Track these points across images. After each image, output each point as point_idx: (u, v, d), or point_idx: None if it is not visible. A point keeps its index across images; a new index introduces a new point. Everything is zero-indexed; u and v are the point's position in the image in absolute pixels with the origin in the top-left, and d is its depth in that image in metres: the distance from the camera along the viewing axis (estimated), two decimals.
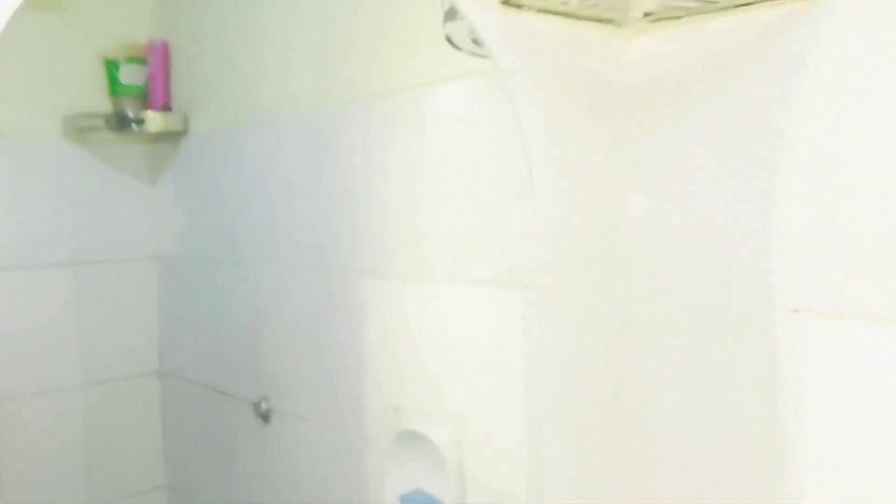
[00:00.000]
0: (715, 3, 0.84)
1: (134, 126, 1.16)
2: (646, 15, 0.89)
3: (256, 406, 1.20)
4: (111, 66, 1.18)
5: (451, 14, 0.85)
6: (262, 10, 1.16)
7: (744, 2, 0.83)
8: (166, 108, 1.23)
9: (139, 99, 1.18)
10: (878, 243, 0.74)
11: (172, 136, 1.26)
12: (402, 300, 1.04)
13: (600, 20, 0.88)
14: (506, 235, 0.95)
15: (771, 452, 0.82)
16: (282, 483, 1.17)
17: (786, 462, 0.80)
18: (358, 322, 1.09)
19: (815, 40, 0.78)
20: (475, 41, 0.86)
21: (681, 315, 0.89)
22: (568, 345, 0.90)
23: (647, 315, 0.92)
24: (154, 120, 1.17)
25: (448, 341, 0.99)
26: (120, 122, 1.16)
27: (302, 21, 1.11)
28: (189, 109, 1.24)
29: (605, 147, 0.91)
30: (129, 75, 1.18)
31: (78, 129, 1.15)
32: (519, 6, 0.83)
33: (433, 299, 1.00)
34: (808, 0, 0.78)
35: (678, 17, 0.89)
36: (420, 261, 1.02)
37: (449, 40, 0.88)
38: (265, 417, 1.19)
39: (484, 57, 0.86)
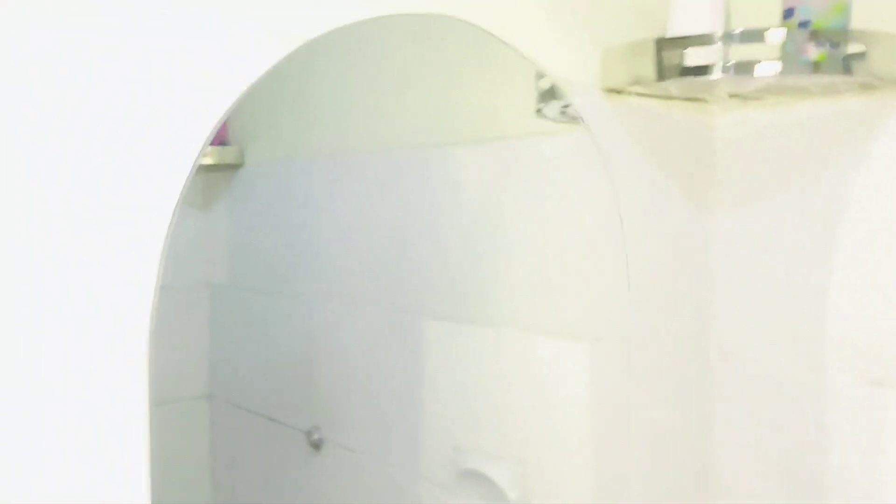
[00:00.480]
0: (802, 88, 0.88)
1: None
2: (731, 96, 0.93)
3: (308, 434, 1.22)
4: None
5: (547, 94, 0.89)
6: (329, 45, 1.16)
7: (831, 88, 0.87)
8: (222, 142, 1.23)
9: None
10: None
11: (228, 167, 1.26)
12: (466, 343, 1.06)
13: (689, 99, 0.93)
14: (578, 289, 0.98)
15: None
16: None
17: None
18: (417, 361, 1.11)
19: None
20: (561, 113, 0.90)
21: (754, 382, 0.95)
22: (640, 396, 0.95)
23: (721, 380, 0.97)
24: (210, 154, 1.17)
25: (513, 386, 1.03)
26: None
27: (368, 61, 1.12)
28: (245, 142, 1.24)
29: (691, 216, 0.96)
30: None
31: None
32: (619, 91, 0.87)
33: (498, 344, 1.03)
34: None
35: (761, 98, 0.93)
36: (484, 305, 1.05)
37: (539, 111, 0.91)
38: (317, 447, 1.21)
39: (570, 123, 0.89)
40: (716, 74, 0.86)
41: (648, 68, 0.89)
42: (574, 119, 0.92)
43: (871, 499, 0.86)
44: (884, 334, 0.84)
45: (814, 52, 0.83)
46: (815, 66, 0.83)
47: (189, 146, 0.62)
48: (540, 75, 0.91)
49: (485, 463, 1.02)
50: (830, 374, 0.88)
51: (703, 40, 0.86)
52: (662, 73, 0.88)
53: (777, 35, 0.84)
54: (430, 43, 0.98)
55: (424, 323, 1.10)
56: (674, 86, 0.90)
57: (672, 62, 0.87)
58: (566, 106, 0.92)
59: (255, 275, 1.28)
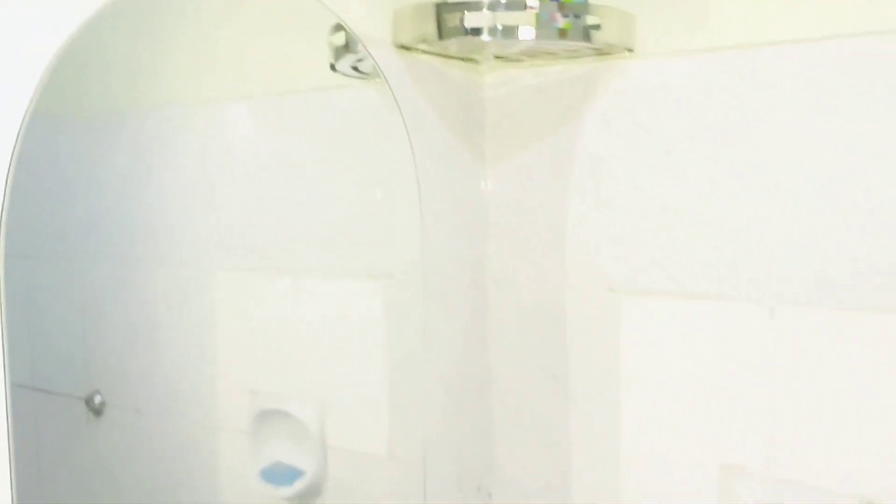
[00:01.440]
0: (552, 53, 1.07)
1: None
2: (496, 58, 1.10)
3: (87, 401, 1.16)
4: None
5: (343, 49, 0.98)
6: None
7: (574, 54, 1.07)
8: None
9: None
10: (662, 238, 1.03)
11: None
12: (257, 291, 1.09)
13: (464, 59, 1.08)
14: (375, 233, 1.08)
15: (594, 397, 1.07)
16: (124, 476, 1.15)
17: (606, 406, 1.06)
18: (207, 314, 1.11)
19: (627, 84, 1.05)
20: (354, 68, 1.00)
21: (524, 295, 1.12)
22: (431, 324, 1.06)
23: (498, 298, 1.13)
24: None
25: (309, 328, 1.08)
26: None
27: (140, 16, 1.11)
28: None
29: (470, 164, 1.10)
30: None
31: None
32: (408, 48, 1.00)
33: (293, 289, 1.06)
34: (625, 55, 1.05)
35: (521, 61, 1.11)
36: (279, 254, 1.08)
37: (332, 67, 1.00)
38: (97, 412, 1.16)
39: (360, 78, 1.00)
40: (485, 36, 1.01)
41: (431, 28, 1.02)
42: (366, 75, 1.02)
43: (606, 388, 1.07)
44: (615, 252, 1.06)
45: (561, 21, 1.02)
46: (562, 33, 1.02)
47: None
48: (334, 31, 1.00)
49: (283, 402, 1.05)
50: (576, 287, 1.09)
51: (475, 6, 1.01)
52: (442, 33, 1.02)
53: (533, 5, 1.02)
54: None
55: (213, 274, 1.10)
56: (452, 45, 1.04)
57: (450, 24, 1.02)
58: (359, 61, 1.02)
59: (19, 241, 1.19)
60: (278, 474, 1.06)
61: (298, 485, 1.03)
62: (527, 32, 1.02)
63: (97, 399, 1.17)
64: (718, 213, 0.99)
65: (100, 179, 1.15)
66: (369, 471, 1.06)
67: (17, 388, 1.18)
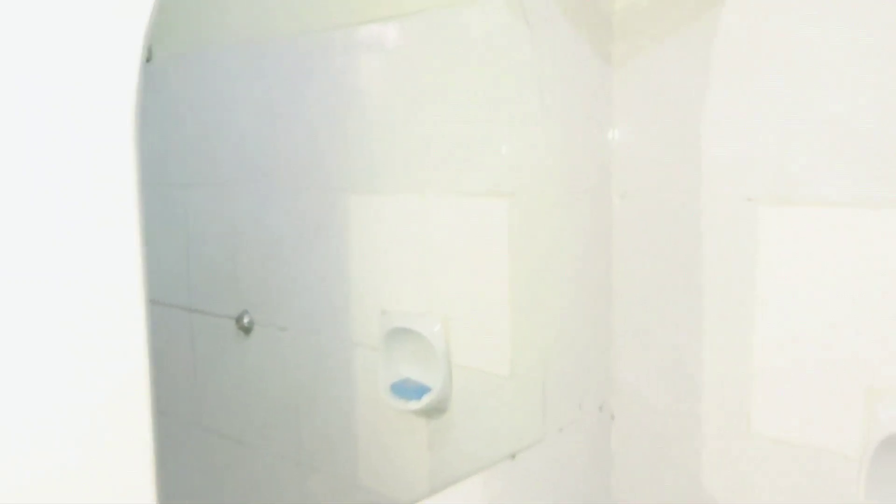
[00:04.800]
0: None
1: None
2: None
3: (238, 320, 1.24)
4: None
5: None
6: None
7: None
8: None
9: None
10: (809, 141, 0.93)
11: None
12: (387, 212, 1.07)
13: None
14: (494, 149, 1.06)
15: (727, 314, 1.01)
16: (269, 389, 1.23)
17: (741, 323, 0.99)
18: (341, 236, 1.14)
19: None
20: None
21: (652, 206, 1.06)
22: (550, 243, 1.04)
23: (624, 210, 1.08)
24: None
25: (435, 247, 1.07)
26: None
27: None
28: (151, 35, 1.25)
29: (595, 66, 1.05)
30: None
31: None
32: None
33: (421, 210, 1.05)
34: None
35: None
36: (407, 175, 1.06)
37: None
38: (247, 330, 1.24)
39: None
40: None
41: None
42: None
43: (741, 303, 0.99)
44: (756, 154, 0.97)
45: None
46: None
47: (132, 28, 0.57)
48: None
49: (411, 320, 1.06)
50: (710, 196, 1.01)
51: None
52: None
53: None
54: None
55: (347, 198, 1.13)
56: None
57: None
58: None
59: (172, 169, 1.29)
60: (408, 389, 1.08)
61: (426, 399, 1.05)
62: None
63: (246, 319, 1.26)
64: (870, 114, 0.87)
65: (243, 108, 1.22)
66: (492, 389, 1.06)
67: (175, 308, 1.30)
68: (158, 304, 1.34)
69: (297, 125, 1.16)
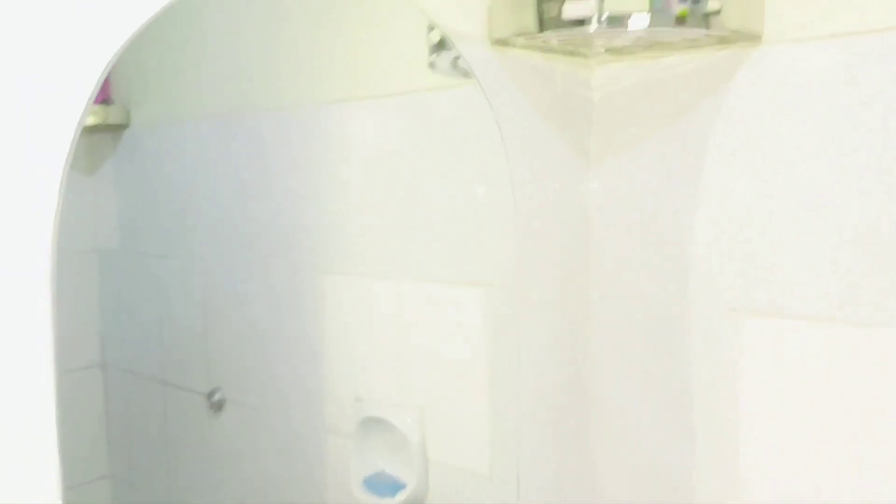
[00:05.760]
0: (668, 43, 0.96)
1: None
2: (607, 50, 1.00)
3: (209, 396, 1.21)
4: None
5: (438, 46, 0.92)
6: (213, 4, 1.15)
7: (693, 44, 0.95)
8: (106, 100, 1.21)
9: None
10: (794, 253, 0.89)
11: (113, 128, 1.23)
12: (363, 296, 1.09)
13: (571, 54, 0.99)
14: (473, 238, 1.03)
15: (710, 426, 0.97)
16: (238, 471, 1.20)
17: (724, 438, 0.95)
18: (317, 317, 1.13)
19: (754, 75, 0.92)
20: (453, 66, 0.94)
21: (632, 309, 1.03)
22: (530, 336, 1.01)
23: (602, 310, 1.05)
24: (94, 113, 1.14)
25: (411, 335, 1.06)
26: None
27: (257, 16, 1.12)
28: (131, 101, 1.22)
29: (571, 166, 1.02)
30: None
31: None
32: (505, 43, 0.92)
33: (397, 296, 1.06)
34: (751, 42, 0.91)
35: (633, 53, 1.00)
36: (383, 259, 1.07)
37: (431, 65, 0.95)
38: (218, 408, 1.21)
39: (461, 77, 0.94)
40: (592, 26, 0.92)
41: (530, 20, 0.94)
42: (465, 73, 0.96)
43: (725, 417, 0.96)
44: (738, 266, 0.94)
45: (677, 6, 0.90)
46: (679, 20, 0.91)
47: (74, 99, 0.59)
48: (431, 27, 0.95)
49: (386, 410, 1.05)
50: (693, 305, 0.98)
51: None
52: (543, 25, 0.94)
53: None
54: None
55: (323, 278, 1.11)
56: (554, 37, 0.96)
57: (551, 14, 0.93)
58: (457, 58, 0.96)
59: (146, 238, 1.26)
60: (381, 485, 1.06)
61: (400, 497, 1.03)
62: (638, 21, 0.91)
63: (217, 395, 1.22)
64: (864, 225, 0.84)
65: (218, 181, 1.19)
66: (471, 489, 1.03)
67: (149, 380, 1.27)
68: (132, 374, 1.31)
69: (271, 201, 1.14)
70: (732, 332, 0.93)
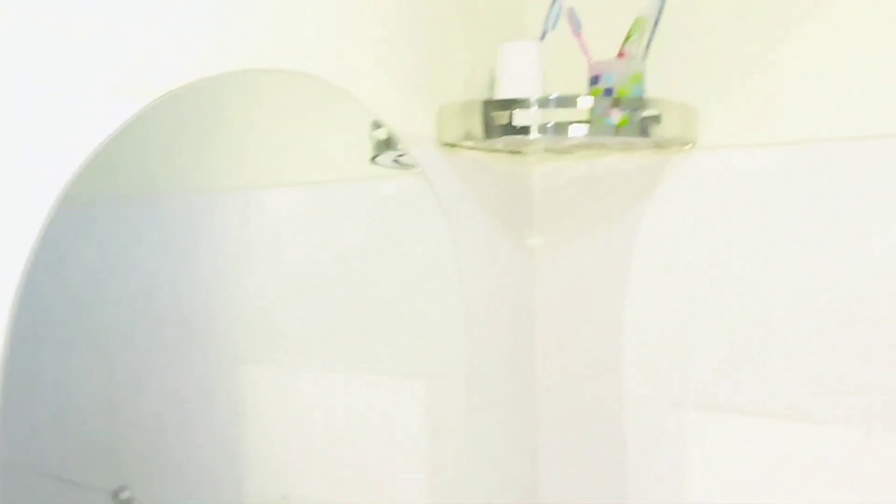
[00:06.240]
0: (607, 145, 1.02)
1: None
2: (546, 150, 1.05)
3: (115, 495, 1.13)
4: None
5: (384, 145, 0.96)
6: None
7: (630, 146, 1.01)
8: None
9: None
10: (735, 348, 0.92)
11: None
12: (294, 388, 1.05)
13: (511, 152, 1.04)
14: (412, 329, 1.02)
15: None
16: None
17: None
18: (239, 409, 1.08)
19: (689, 177, 0.98)
20: (397, 161, 0.97)
21: (576, 403, 1.02)
22: (477, 430, 0.98)
23: (548, 404, 1.04)
24: None
25: (347, 429, 1.03)
26: None
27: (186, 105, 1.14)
28: None
29: (515, 257, 1.05)
30: None
31: None
32: (453, 145, 0.97)
33: (332, 387, 1.03)
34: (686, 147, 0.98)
35: (572, 153, 1.06)
36: (316, 349, 1.05)
37: (373, 159, 0.98)
38: None
39: (402, 168, 0.97)
40: (534, 134, 0.97)
41: (477, 127, 0.99)
42: (407, 166, 0.99)
43: None
44: (681, 361, 0.96)
45: (617, 116, 0.97)
46: (617, 130, 0.97)
47: (38, 209, 0.58)
48: (376, 126, 0.98)
49: None
50: (636, 399, 0.98)
51: (524, 104, 0.97)
52: (490, 132, 0.99)
53: (586, 102, 0.97)
54: (267, 91, 1.01)
55: (245, 368, 1.07)
56: (499, 142, 1.01)
57: (499, 122, 0.98)
58: (401, 155, 0.99)
59: (45, 328, 1.20)
60: None
61: None
62: (579, 129, 0.97)
63: (125, 494, 1.13)
64: (795, 323, 0.88)
65: (131, 265, 1.14)
66: None
67: (47, 477, 1.17)
68: (26, 471, 1.20)
69: (185, 288, 1.10)
70: (676, 426, 0.93)
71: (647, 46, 1.01)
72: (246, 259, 1.08)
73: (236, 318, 1.07)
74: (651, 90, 1.01)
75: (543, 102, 0.97)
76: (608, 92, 1.01)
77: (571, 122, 0.97)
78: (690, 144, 1.00)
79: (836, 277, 0.87)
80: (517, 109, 0.98)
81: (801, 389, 0.88)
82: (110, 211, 1.17)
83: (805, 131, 0.93)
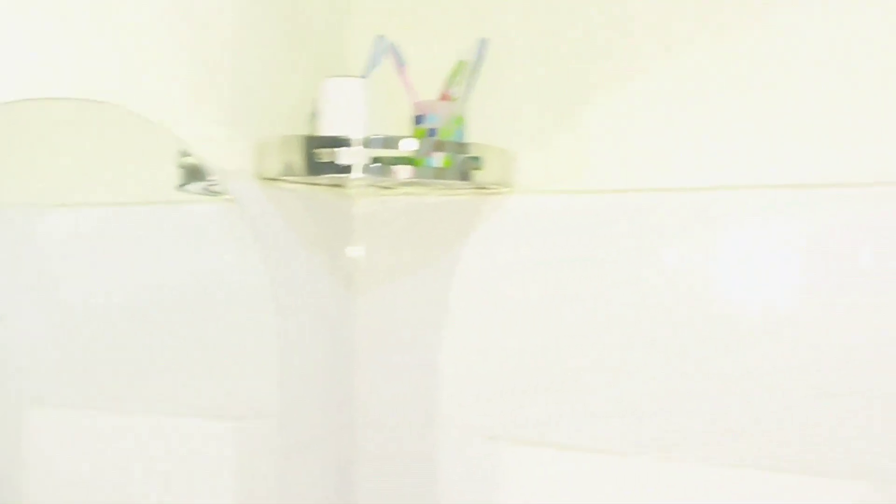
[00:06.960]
0: (429, 184, 1.02)
1: None
2: (368, 185, 1.05)
3: None
4: None
5: (192, 174, 0.91)
6: None
7: (451, 185, 1.02)
8: None
9: None
10: (542, 385, 0.96)
11: None
12: (81, 432, 0.98)
13: (335, 186, 1.03)
14: (221, 369, 0.98)
15: None
16: None
17: None
18: (17, 456, 1.00)
19: (506, 218, 0.99)
20: (206, 189, 0.93)
21: (393, 439, 1.03)
22: (292, 473, 0.96)
23: (366, 441, 1.04)
24: None
25: (148, 476, 0.97)
26: None
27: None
28: None
29: (335, 292, 1.04)
30: None
31: None
32: (274, 180, 0.94)
33: (134, 429, 0.97)
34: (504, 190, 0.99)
35: (394, 188, 1.06)
36: (111, 388, 0.97)
37: (181, 186, 0.93)
38: None
39: (213, 196, 0.92)
40: (356, 173, 0.96)
41: (299, 162, 0.96)
42: (217, 194, 0.94)
43: None
44: (495, 396, 0.98)
45: (439, 158, 0.98)
46: (440, 172, 0.98)
47: None
48: (184, 154, 0.93)
49: None
50: (449, 432, 1.00)
51: (347, 142, 0.96)
52: (312, 169, 0.96)
53: (411, 144, 0.97)
54: (66, 117, 0.93)
55: (27, 411, 0.98)
56: (322, 178, 0.99)
57: (321, 160, 0.96)
58: (212, 185, 0.94)
59: None
60: None
61: None
62: (403, 171, 0.97)
63: None
64: (608, 357, 0.93)
65: None
66: None
67: None
68: None
69: None
70: (490, 460, 0.96)
71: (469, 91, 1.03)
72: (28, 284, 0.98)
73: (23, 355, 0.97)
74: (473, 134, 1.03)
75: (368, 142, 0.96)
76: (432, 133, 1.02)
77: (395, 163, 0.97)
78: (509, 188, 1.04)
79: (639, 315, 0.93)
80: (340, 147, 0.96)
81: (614, 423, 0.92)
82: None
83: (613, 181, 0.99)
